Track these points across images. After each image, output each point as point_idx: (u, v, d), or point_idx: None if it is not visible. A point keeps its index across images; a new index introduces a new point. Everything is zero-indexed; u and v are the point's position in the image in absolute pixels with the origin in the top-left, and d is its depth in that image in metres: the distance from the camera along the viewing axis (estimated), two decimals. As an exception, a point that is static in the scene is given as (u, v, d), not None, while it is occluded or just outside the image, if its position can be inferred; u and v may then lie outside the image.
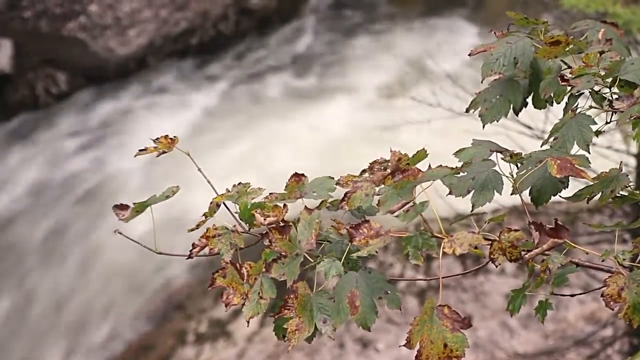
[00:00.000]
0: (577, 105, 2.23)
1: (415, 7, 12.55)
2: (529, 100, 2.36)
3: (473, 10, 12.17)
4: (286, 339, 1.96)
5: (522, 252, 1.98)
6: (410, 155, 2.09)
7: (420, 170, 2.07)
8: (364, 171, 2.12)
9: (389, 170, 2.08)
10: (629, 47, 2.40)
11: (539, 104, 2.34)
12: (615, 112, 2.16)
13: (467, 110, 2.38)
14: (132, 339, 8.42)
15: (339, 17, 12.48)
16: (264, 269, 2.00)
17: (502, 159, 2.14)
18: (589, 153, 2.13)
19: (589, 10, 6.04)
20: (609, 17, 5.77)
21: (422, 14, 12.35)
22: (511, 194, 2.12)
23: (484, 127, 2.34)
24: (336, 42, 12.03)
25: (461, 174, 2.10)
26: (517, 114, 2.35)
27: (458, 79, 7.32)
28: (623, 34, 2.42)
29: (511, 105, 2.33)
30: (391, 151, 2.10)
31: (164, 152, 2.23)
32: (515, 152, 2.14)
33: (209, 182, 2.17)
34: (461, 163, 2.13)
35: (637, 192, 2.16)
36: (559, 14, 7.33)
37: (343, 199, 2.07)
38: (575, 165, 2.03)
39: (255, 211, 2.08)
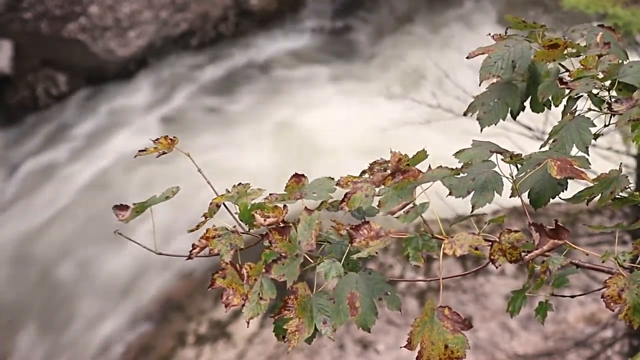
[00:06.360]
0: (575, 108, 2.23)
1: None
2: (527, 104, 2.36)
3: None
4: (286, 340, 1.96)
5: (522, 253, 1.98)
6: (410, 156, 2.09)
7: (420, 171, 2.07)
8: (363, 172, 2.12)
9: (389, 171, 2.08)
10: (627, 50, 2.40)
11: (537, 108, 2.34)
12: (614, 115, 2.16)
13: (465, 114, 2.39)
14: (132, 340, 8.42)
15: (340, 16, 12.48)
16: (264, 270, 2.00)
17: (502, 159, 2.14)
18: (588, 155, 2.13)
19: (589, 12, 6.03)
20: (609, 19, 5.77)
21: (427, 8, 12.34)
22: (510, 197, 2.11)
23: (481, 130, 2.34)
24: (335, 42, 12.03)
25: (461, 175, 2.10)
26: (514, 118, 2.35)
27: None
28: (623, 35, 2.42)
29: (509, 109, 2.33)
30: (391, 152, 2.10)
31: (164, 153, 2.23)
32: (515, 153, 2.14)
33: (208, 182, 2.17)
34: (461, 164, 2.13)
35: (637, 193, 2.16)
36: (559, 15, 7.33)
37: (343, 200, 2.07)
38: (575, 167, 2.03)
39: (255, 212, 2.08)
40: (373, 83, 10.94)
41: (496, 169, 2.12)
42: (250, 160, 9.87)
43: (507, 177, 2.11)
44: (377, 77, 11.06)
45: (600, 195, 2.13)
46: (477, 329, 7.69)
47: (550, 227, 1.99)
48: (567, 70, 2.29)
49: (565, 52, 2.25)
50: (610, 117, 2.18)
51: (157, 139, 2.24)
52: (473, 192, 2.09)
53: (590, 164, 2.07)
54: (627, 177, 2.14)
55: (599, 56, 2.23)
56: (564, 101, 2.26)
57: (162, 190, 2.19)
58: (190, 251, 2.07)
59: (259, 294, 1.99)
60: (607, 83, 2.19)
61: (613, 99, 2.18)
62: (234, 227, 2.09)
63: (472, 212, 2.10)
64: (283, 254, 2.01)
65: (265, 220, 2.06)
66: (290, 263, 2.00)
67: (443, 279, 1.99)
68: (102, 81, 11.39)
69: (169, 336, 8.33)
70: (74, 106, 11.16)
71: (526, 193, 2.13)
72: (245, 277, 2.01)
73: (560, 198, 2.15)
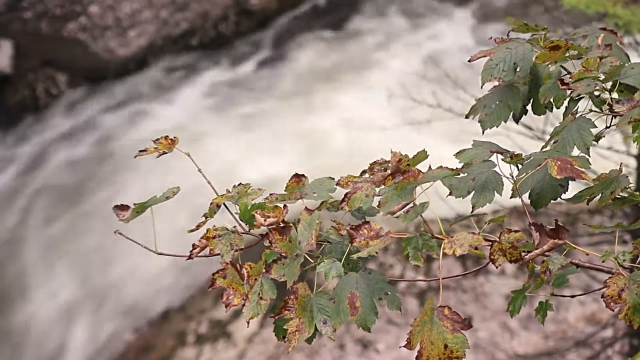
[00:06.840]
0: (577, 109, 2.23)
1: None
2: (529, 107, 2.36)
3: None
4: (286, 340, 1.96)
5: (523, 253, 1.98)
6: (411, 156, 2.10)
7: (420, 172, 2.07)
8: (364, 172, 2.12)
9: (389, 171, 2.08)
10: (627, 49, 2.39)
11: (538, 111, 2.34)
12: (615, 116, 2.16)
13: (467, 117, 2.39)
14: (132, 340, 8.42)
15: (338, 14, 12.48)
16: (264, 270, 2.01)
17: (502, 160, 2.14)
18: (589, 156, 2.13)
19: (589, 11, 6.02)
20: (609, 18, 5.77)
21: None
22: (511, 197, 2.12)
23: (483, 132, 2.35)
24: (333, 41, 12.03)
25: (461, 175, 2.10)
26: (517, 122, 2.35)
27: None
28: (624, 35, 2.42)
29: (511, 111, 2.33)
30: (391, 152, 2.10)
31: (164, 153, 2.23)
32: (515, 153, 2.14)
33: (209, 182, 2.17)
34: (461, 164, 2.13)
35: (637, 193, 2.16)
36: (560, 15, 7.33)
37: (343, 200, 2.07)
38: (576, 166, 2.04)
39: (256, 212, 2.08)
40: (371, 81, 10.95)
41: (496, 169, 2.13)
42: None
43: (508, 177, 2.11)
44: (377, 76, 11.06)
45: (600, 195, 2.13)
46: (477, 329, 7.69)
47: (550, 227, 2.00)
48: (569, 73, 2.29)
49: (567, 54, 2.25)
50: (612, 119, 2.18)
51: (157, 139, 2.24)
52: (473, 192, 2.09)
53: (590, 164, 2.07)
54: (627, 177, 2.14)
55: (601, 58, 2.23)
56: (566, 103, 2.26)
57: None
58: (191, 251, 2.07)
59: (259, 294, 1.99)
60: (609, 84, 2.19)
61: (614, 100, 2.18)
62: (234, 227, 2.09)
63: (472, 212, 2.10)
64: (283, 254, 2.01)
65: (265, 220, 2.06)
66: (291, 263, 2.00)
67: (443, 278, 1.99)
68: (103, 81, 11.39)
69: (169, 336, 8.33)
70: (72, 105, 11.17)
71: (527, 194, 2.13)
72: (245, 277, 2.01)
73: (560, 198, 2.15)
